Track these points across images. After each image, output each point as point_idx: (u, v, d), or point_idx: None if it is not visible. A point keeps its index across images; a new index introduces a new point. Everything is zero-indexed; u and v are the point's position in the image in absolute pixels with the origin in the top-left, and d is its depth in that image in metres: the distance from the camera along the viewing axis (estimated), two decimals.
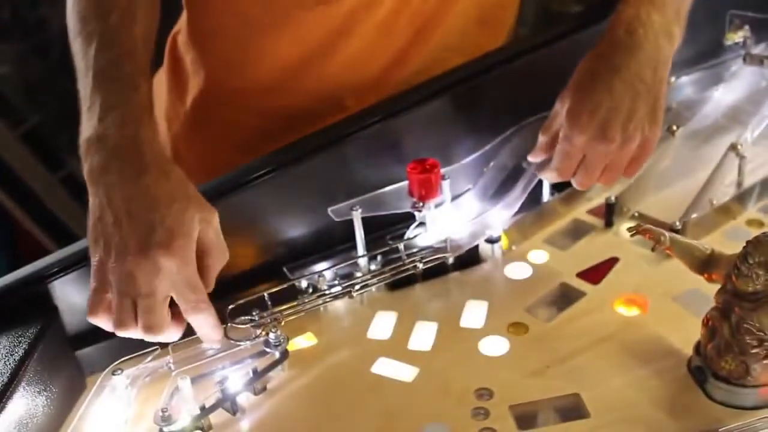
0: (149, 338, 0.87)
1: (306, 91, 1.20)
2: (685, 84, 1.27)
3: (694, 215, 1.06)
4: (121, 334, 0.87)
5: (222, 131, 1.25)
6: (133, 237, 0.84)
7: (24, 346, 0.90)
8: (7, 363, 0.88)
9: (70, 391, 0.95)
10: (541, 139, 1.05)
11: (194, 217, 0.87)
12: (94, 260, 0.87)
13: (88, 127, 0.90)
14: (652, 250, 0.90)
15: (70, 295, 0.99)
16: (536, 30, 1.66)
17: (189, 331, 0.96)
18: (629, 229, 0.92)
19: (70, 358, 0.98)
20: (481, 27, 1.24)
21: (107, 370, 0.93)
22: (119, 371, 0.92)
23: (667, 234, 0.89)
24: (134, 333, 0.87)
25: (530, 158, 1.07)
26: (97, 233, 0.87)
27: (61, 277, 0.97)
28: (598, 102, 0.97)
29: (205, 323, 0.90)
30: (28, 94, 2.29)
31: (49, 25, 2.22)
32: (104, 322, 0.87)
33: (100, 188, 0.87)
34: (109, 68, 0.92)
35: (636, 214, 1.11)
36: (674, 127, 1.17)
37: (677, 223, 1.04)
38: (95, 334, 1.01)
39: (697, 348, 0.88)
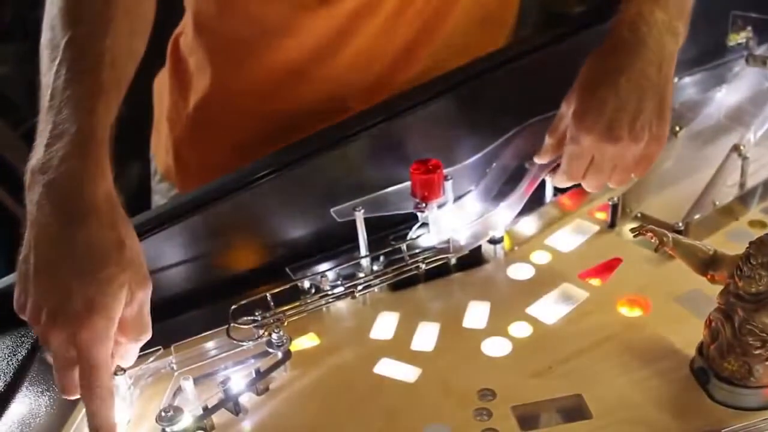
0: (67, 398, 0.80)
1: (309, 92, 1.20)
2: (688, 85, 1.27)
3: (697, 216, 1.06)
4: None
5: (225, 132, 1.25)
6: (48, 300, 0.76)
7: (27, 346, 0.90)
8: (10, 363, 0.88)
9: None
10: (548, 140, 1.05)
11: (122, 288, 0.78)
12: (15, 305, 0.80)
13: (35, 153, 0.81)
14: (655, 250, 0.90)
15: None
16: (537, 30, 1.65)
17: (191, 332, 0.97)
18: (632, 230, 0.92)
19: None
20: (483, 27, 1.24)
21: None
22: (122, 371, 0.92)
23: (670, 235, 0.89)
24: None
25: (537, 159, 1.07)
26: (20, 275, 0.80)
27: None
28: (604, 102, 0.97)
29: (100, 410, 0.78)
30: (29, 95, 2.29)
31: None
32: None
33: (33, 227, 0.79)
34: (65, 87, 0.82)
35: (639, 215, 1.10)
36: (677, 128, 1.17)
37: (680, 224, 1.04)
38: None
39: (700, 349, 0.88)
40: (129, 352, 0.84)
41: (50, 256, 0.77)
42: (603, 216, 1.12)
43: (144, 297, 0.81)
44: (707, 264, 0.88)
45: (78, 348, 0.76)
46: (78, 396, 0.79)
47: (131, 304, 0.80)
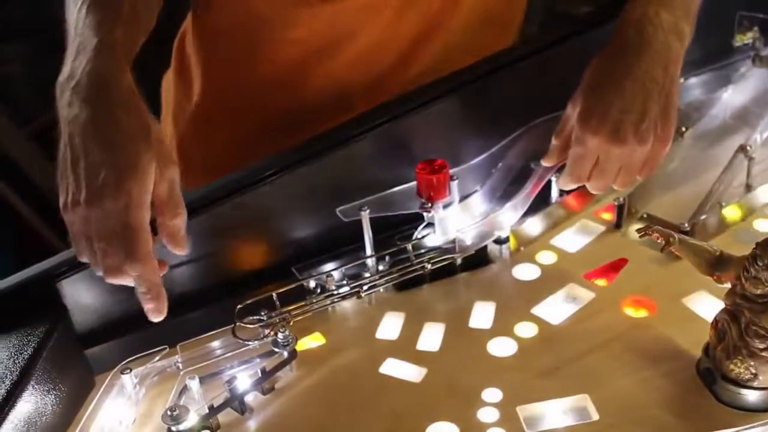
0: (109, 281, 0.84)
1: (313, 89, 1.20)
2: (694, 85, 1.27)
3: (703, 217, 1.06)
4: (99, 273, 0.85)
5: (227, 129, 1.25)
6: (85, 179, 0.81)
7: (33, 344, 0.90)
8: (17, 361, 0.88)
9: (79, 389, 0.95)
10: (554, 142, 1.05)
11: (151, 163, 0.82)
12: (60, 203, 0.85)
13: (62, 72, 0.87)
14: (661, 251, 0.90)
15: (79, 294, 0.99)
16: (544, 30, 1.65)
17: (197, 331, 0.97)
18: (638, 230, 0.92)
19: (79, 357, 0.98)
20: (488, 26, 1.24)
21: (116, 369, 0.93)
22: (128, 370, 0.92)
23: (677, 235, 0.89)
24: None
25: (544, 163, 1.07)
26: (60, 175, 0.85)
27: (70, 276, 0.97)
28: (610, 103, 0.97)
29: (145, 273, 0.83)
30: (36, 94, 2.29)
31: (57, 25, 2.23)
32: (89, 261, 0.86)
33: (66, 126, 0.84)
34: (86, 16, 0.89)
35: (644, 216, 1.10)
36: (683, 129, 1.17)
37: (686, 225, 1.04)
38: (104, 333, 1.02)
39: (706, 350, 0.88)
40: (174, 231, 0.87)
41: (83, 144, 0.82)
42: (609, 216, 1.12)
43: (173, 175, 0.85)
44: (714, 265, 0.88)
45: (116, 217, 0.80)
46: (121, 279, 0.83)
47: (161, 182, 0.84)
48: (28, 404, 0.86)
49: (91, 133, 0.82)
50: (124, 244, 0.81)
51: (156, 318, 0.87)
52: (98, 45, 0.86)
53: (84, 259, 0.86)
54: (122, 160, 0.81)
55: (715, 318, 0.87)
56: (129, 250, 0.81)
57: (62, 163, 0.84)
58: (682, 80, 1.21)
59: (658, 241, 0.90)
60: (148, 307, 0.86)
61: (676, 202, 1.12)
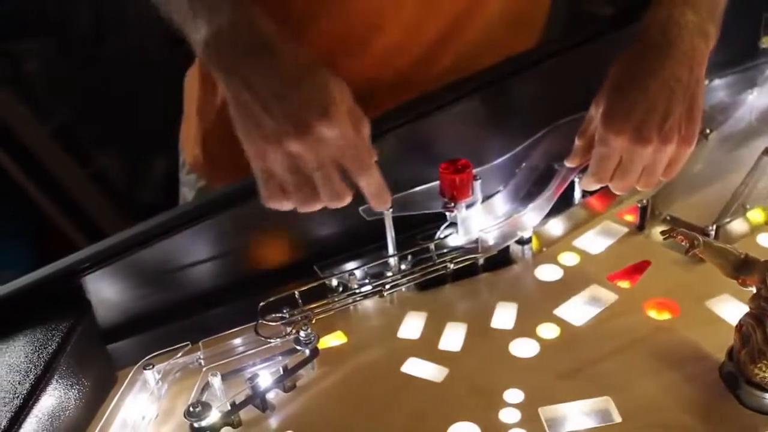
0: (335, 206, 0.91)
1: None
2: (719, 87, 1.26)
3: (727, 219, 1.06)
4: (307, 210, 0.91)
5: None
6: (288, 118, 0.86)
7: (57, 339, 0.91)
8: (41, 356, 0.88)
9: (101, 384, 0.95)
10: (578, 143, 1.05)
11: (334, 84, 0.88)
12: (251, 152, 0.89)
13: (200, 34, 0.90)
14: (686, 253, 0.90)
15: (102, 290, 0.99)
16: (567, 31, 1.65)
17: (220, 328, 0.97)
18: (662, 232, 0.92)
19: (101, 352, 0.99)
20: (513, 26, 1.24)
21: (138, 364, 0.93)
22: (150, 366, 0.92)
23: (701, 238, 0.89)
24: (318, 206, 0.91)
25: (567, 163, 1.06)
26: (248, 126, 0.88)
27: (93, 272, 0.97)
28: (634, 103, 0.96)
29: (375, 182, 0.92)
30: (55, 91, 2.30)
31: (75, 22, 2.24)
32: (283, 206, 0.91)
33: (236, 82, 0.88)
34: None
35: (668, 218, 1.10)
36: (707, 131, 1.16)
37: (710, 227, 1.03)
38: (126, 329, 1.02)
39: (730, 353, 0.88)
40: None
41: (270, 90, 0.86)
42: (631, 218, 1.11)
43: (347, 88, 0.89)
44: (738, 268, 0.88)
45: (333, 144, 0.87)
46: (339, 202, 0.91)
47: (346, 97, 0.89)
48: (52, 398, 0.86)
49: (275, 73, 0.87)
50: (357, 159, 0.89)
51: (383, 207, 0.96)
52: (231, 5, 0.90)
53: (275, 203, 0.91)
54: (317, 92, 0.86)
55: (739, 322, 0.86)
56: (362, 163, 0.90)
57: (244, 114, 0.88)
58: (706, 82, 1.21)
59: (683, 243, 0.89)
60: (378, 204, 0.95)
61: (699, 205, 1.11)
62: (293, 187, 0.89)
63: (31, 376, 0.86)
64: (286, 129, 0.86)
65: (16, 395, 0.84)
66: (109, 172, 2.32)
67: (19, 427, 0.81)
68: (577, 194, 1.12)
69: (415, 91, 1.14)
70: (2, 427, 0.80)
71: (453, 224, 1.04)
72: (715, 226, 1.04)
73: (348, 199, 0.91)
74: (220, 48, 0.89)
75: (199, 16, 0.91)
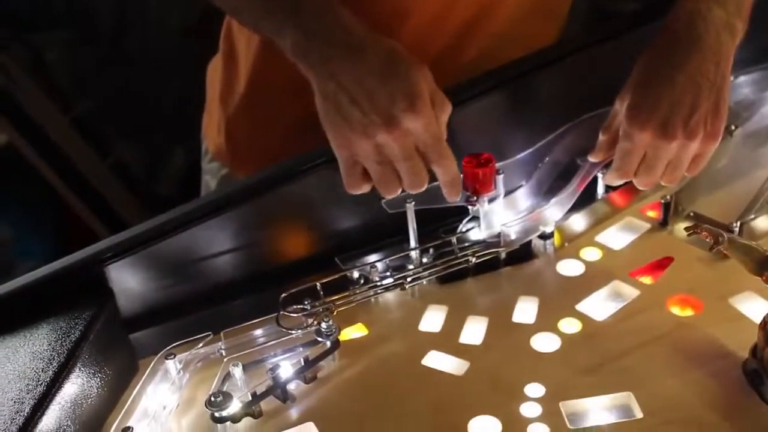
0: (415, 191, 0.95)
1: None
2: (744, 84, 1.25)
3: (752, 216, 1.05)
4: (388, 195, 0.95)
5: (277, 116, 1.25)
6: (376, 111, 0.89)
7: (80, 328, 0.91)
8: (64, 344, 0.89)
9: (123, 373, 0.96)
10: (602, 138, 1.04)
11: (419, 75, 0.91)
12: (336, 142, 0.92)
13: (286, 32, 0.93)
14: (710, 249, 0.89)
15: (124, 279, 1.00)
16: (591, 26, 1.64)
17: (241, 319, 0.97)
18: (686, 228, 0.91)
19: (123, 342, 0.99)
20: (536, 17, 1.23)
21: (160, 354, 0.94)
22: (172, 356, 0.93)
23: (725, 234, 0.88)
24: (398, 191, 0.95)
25: (591, 158, 1.06)
26: (335, 118, 0.91)
27: (116, 261, 0.98)
28: (659, 98, 0.96)
29: (451, 171, 0.95)
30: (77, 82, 2.31)
31: (98, 14, 2.25)
32: (363, 191, 0.95)
33: (325, 77, 0.91)
34: None
35: (691, 214, 1.09)
36: (732, 127, 1.15)
37: (734, 224, 1.03)
38: (148, 319, 1.03)
39: (754, 351, 0.87)
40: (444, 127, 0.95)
41: (360, 84, 0.90)
42: (654, 214, 1.11)
43: (430, 75, 0.93)
44: (762, 265, 0.88)
45: (416, 134, 0.91)
46: (419, 188, 0.95)
47: (430, 85, 0.93)
48: (74, 386, 0.87)
49: (364, 68, 0.90)
50: (437, 150, 0.93)
51: (455, 197, 0.99)
52: (313, 4, 0.93)
53: (357, 189, 0.95)
54: (405, 85, 0.90)
55: (763, 319, 0.86)
56: (441, 153, 0.93)
57: (332, 107, 0.91)
58: (732, 78, 1.20)
59: (707, 239, 0.89)
60: (451, 192, 0.98)
61: (723, 201, 1.11)
62: (377, 175, 0.93)
63: (54, 364, 0.87)
64: (375, 122, 0.89)
65: (40, 382, 0.85)
66: (130, 163, 2.33)
67: (42, 414, 0.82)
68: (600, 189, 1.11)
69: (439, 83, 1.13)
70: (26, 414, 0.81)
71: (475, 218, 1.04)
72: (739, 223, 1.04)
73: (426, 185, 0.95)
74: (311, 46, 0.92)
75: (285, 17, 0.94)
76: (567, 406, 0.87)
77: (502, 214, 1.04)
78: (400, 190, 0.95)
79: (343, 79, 0.90)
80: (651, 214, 1.11)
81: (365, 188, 0.96)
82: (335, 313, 0.97)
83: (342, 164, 0.94)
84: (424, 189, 0.95)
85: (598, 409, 0.87)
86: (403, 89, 0.89)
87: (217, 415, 0.87)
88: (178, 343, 0.95)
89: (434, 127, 0.92)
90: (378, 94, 0.89)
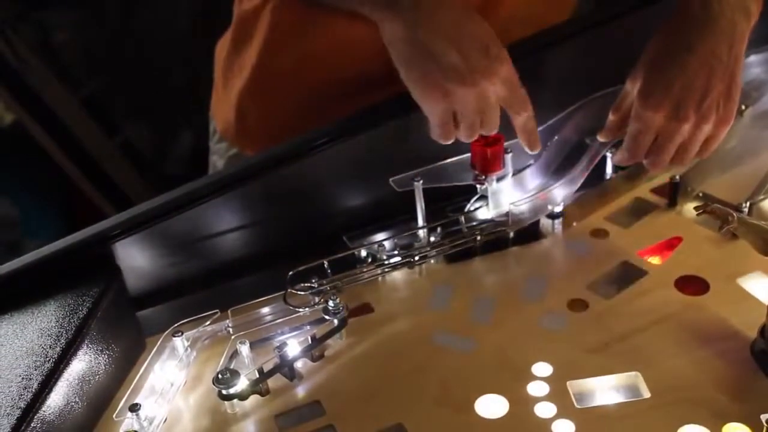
0: (488, 133, 0.98)
1: (371, 56, 1.18)
2: (754, 64, 1.24)
3: (761, 197, 1.05)
4: (468, 139, 0.98)
5: (287, 95, 1.24)
6: (473, 57, 0.91)
7: (87, 305, 0.91)
8: (72, 321, 0.89)
9: (130, 350, 0.96)
10: (611, 118, 1.04)
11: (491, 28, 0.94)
12: (427, 94, 0.94)
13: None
14: (720, 229, 0.89)
15: (132, 257, 1.00)
16: (601, 5, 1.63)
17: (249, 296, 0.97)
18: (696, 208, 0.91)
19: (131, 319, 0.99)
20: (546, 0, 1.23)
21: (168, 331, 0.94)
22: (179, 333, 0.93)
23: (736, 214, 0.88)
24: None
25: (600, 138, 1.05)
26: (427, 69, 0.92)
27: (124, 238, 0.98)
28: (672, 80, 0.95)
29: (532, 121, 0.99)
30: (87, 62, 2.31)
31: None
32: (450, 139, 0.98)
33: (415, 28, 0.92)
34: None
35: (700, 194, 1.09)
36: (742, 107, 1.15)
37: (744, 204, 1.02)
38: (155, 296, 1.03)
39: (762, 331, 0.87)
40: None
41: (452, 29, 0.92)
42: (663, 194, 1.10)
43: None
44: None
45: (506, 81, 0.94)
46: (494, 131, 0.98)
47: None
48: (82, 363, 0.87)
49: (451, 18, 0.92)
50: (522, 99, 0.97)
51: (535, 150, 1.02)
52: None
53: (446, 138, 0.97)
54: (490, 34, 0.93)
55: None
56: (525, 103, 0.97)
57: (425, 58, 0.92)
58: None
59: (717, 219, 0.88)
60: (530, 143, 1.01)
61: (732, 182, 1.10)
62: (470, 124, 0.96)
63: (62, 341, 0.87)
64: (475, 68, 0.91)
65: (48, 359, 0.85)
66: (138, 143, 2.33)
67: (50, 390, 0.82)
68: (609, 169, 1.11)
69: None
70: (34, 390, 0.81)
71: (483, 197, 1.04)
72: (748, 203, 1.03)
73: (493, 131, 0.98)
74: (400, 2, 0.93)
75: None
76: (574, 385, 0.87)
77: (510, 194, 1.04)
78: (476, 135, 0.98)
79: (437, 25, 0.91)
80: (660, 194, 1.11)
81: (453, 137, 0.97)
82: (343, 291, 0.97)
83: (436, 119, 0.95)
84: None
85: (606, 388, 0.87)
86: (492, 36, 0.92)
87: (224, 392, 0.88)
88: (185, 320, 0.95)
89: (516, 77, 0.95)
90: (472, 39, 0.91)
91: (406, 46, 0.92)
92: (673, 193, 1.08)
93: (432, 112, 0.95)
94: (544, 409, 0.85)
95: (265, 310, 0.97)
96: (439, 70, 0.91)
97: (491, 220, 1.04)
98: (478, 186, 1.03)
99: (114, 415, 0.87)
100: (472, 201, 1.05)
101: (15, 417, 0.79)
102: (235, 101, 1.27)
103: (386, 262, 1.02)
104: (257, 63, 1.22)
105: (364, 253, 1.03)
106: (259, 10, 1.21)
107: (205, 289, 1.04)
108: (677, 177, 1.08)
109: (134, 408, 0.85)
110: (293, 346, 0.92)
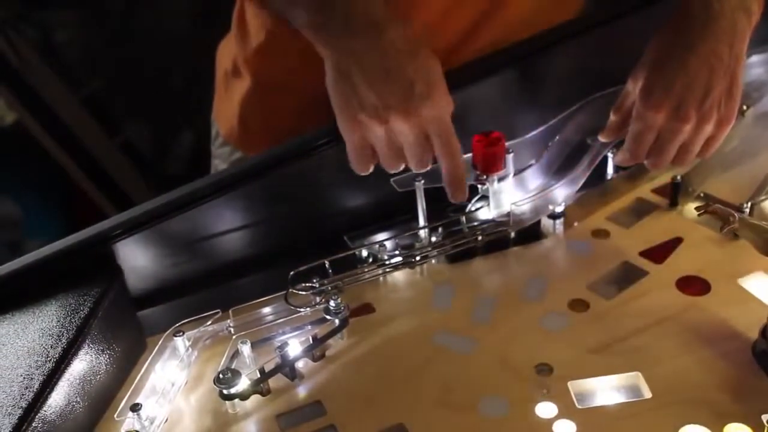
0: (419, 171, 0.96)
1: None
2: (755, 64, 1.24)
3: (762, 197, 1.05)
4: (391, 171, 0.97)
5: (288, 96, 1.24)
6: (393, 94, 0.89)
7: (89, 305, 0.91)
8: (73, 320, 0.89)
9: (131, 350, 0.96)
10: (613, 118, 1.03)
11: (437, 63, 0.91)
12: (348, 124, 0.92)
13: (303, 5, 0.92)
14: (721, 230, 0.89)
15: (133, 257, 1.00)
16: (603, 5, 1.63)
17: (250, 296, 0.97)
18: (697, 208, 0.91)
19: (132, 319, 0.99)
20: (553, 2, 1.23)
21: (169, 331, 0.93)
22: (181, 333, 0.93)
23: (737, 214, 0.88)
24: (401, 168, 0.97)
25: (601, 138, 1.05)
26: (350, 100, 0.91)
27: (125, 238, 0.98)
28: (673, 79, 0.95)
29: (457, 168, 0.95)
30: (86, 62, 2.31)
31: None
32: (371, 171, 0.97)
33: (344, 52, 0.90)
34: None
35: (702, 195, 1.09)
36: (743, 108, 1.15)
37: (745, 205, 1.02)
38: (156, 296, 1.03)
39: (763, 332, 0.87)
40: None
41: (378, 66, 0.89)
42: (664, 195, 1.10)
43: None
44: None
45: (430, 123, 0.91)
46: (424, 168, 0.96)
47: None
48: (83, 363, 0.87)
49: (384, 51, 0.89)
50: (445, 143, 0.93)
51: (460, 199, 0.99)
52: None
53: (364, 170, 0.96)
54: (423, 72, 0.89)
55: None
56: (449, 147, 0.94)
57: (347, 89, 0.90)
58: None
59: (718, 219, 0.88)
60: (454, 193, 0.98)
61: (734, 182, 1.10)
62: (385, 157, 0.94)
63: (63, 340, 0.87)
64: (391, 106, 0.89)
65: (49, 358, 0.85)
66: (139, 143, 2.33)
67: (52, 390, 0.82)
68: (610, 169, 1.11)
69: (453, 67, 1.13)
70: (35, 390, 0.81)
71: (484, 197, 1.04)
72: (749, 204, 1.03)
73: (429, 166, 0.96)
74: (330, 26, 0.90)
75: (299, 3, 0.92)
76: (575, 385, 0.87)
77: (511, 194, 1.04)
78: (401, 167, 0.96)
79: (364, 63, 0.89)
80: (661, 194, 1.11)
81: (372, 168, 0.96)
82: (344, 291, 0.97)
83: (350, 146, 0.94)
84: (426, 169, 0.95)
85: (607, 388, 0.87)
86: (422, 76, 0.89)
87: (225, 392, 0.88)
88: (186, 320, 0.95)
89: (448, 119, 0.92)
90: (396, 76, 0.88)
91: (331, 73, 0.91)
92: (674, 194, 1.08)
93: (347, 139, 0.94)
94: (545, 410, 0.85)
95: (267, 310, 0.97)
96: (357, 102, 0.91)
97: (492, 220, 1.04)
98: (479, 186, 1.03)
99: (115, 415, 0.87)
100: (473, 201, 1.04)
101: (16, 416, 0.79)
102: (238, 106, 1.26)
103: (387, 262, 1.02)
104: (259, 68, 1.22)
105: (365, 253, 1.03)
106: (259, 13, 1.21)
107: (206, 288, 1.04)
108: (678, 177, 1.08)
109: (135, 408, 0.85)
110: (294, 346, 0.92)
